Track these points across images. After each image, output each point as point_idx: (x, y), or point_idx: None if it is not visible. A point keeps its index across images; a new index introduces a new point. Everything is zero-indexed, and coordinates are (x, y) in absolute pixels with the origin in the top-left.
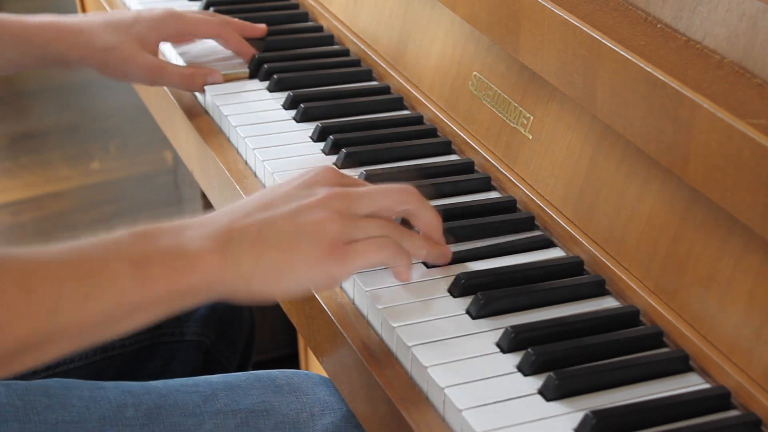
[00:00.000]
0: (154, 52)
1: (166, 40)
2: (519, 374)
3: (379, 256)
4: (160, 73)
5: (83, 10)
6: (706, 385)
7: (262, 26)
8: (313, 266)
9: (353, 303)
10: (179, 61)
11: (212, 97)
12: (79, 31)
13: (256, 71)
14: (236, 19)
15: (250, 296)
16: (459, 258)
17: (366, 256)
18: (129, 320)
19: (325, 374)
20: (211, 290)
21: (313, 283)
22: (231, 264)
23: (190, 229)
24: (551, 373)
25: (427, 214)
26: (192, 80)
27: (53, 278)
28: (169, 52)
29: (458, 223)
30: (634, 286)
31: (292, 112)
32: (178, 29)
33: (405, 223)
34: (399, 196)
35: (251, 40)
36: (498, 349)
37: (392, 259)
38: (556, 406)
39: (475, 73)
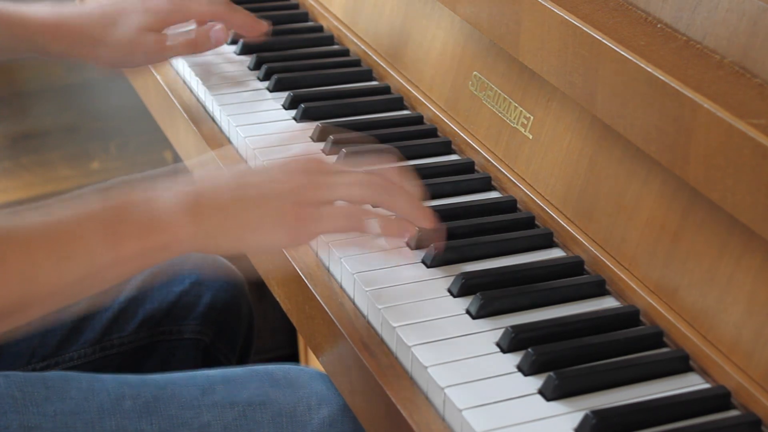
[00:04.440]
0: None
1: (170, 26)
2: (519, 374)
3: (345, 223)
4: (165, 48)
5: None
6: (706, 385)
7: (264, 25)
8: (278, 227)
9: (353, 303)
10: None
11: (212, 97)
12: (80, 30)
13: (256, 68)
14: (241, 8)
15: (216, 251)
16: (459, 258)
17: (331, 222)
18: (101, 279)
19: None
20: (182, 245)
21: (277, 243)
22: (198, 219)
23: (162, 190)
24: (551, 373)
25: (403, 202)
26: (197, 43)
27: (27, 248)
28: None
29: (458, 223)
30: (634, 286)
31: (292, 112)
32: (181, 17)
33: None
34: (372, 187)
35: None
36: (498, 349)
37: (359, 225)
38: (556, 406)
39: (475, 73)
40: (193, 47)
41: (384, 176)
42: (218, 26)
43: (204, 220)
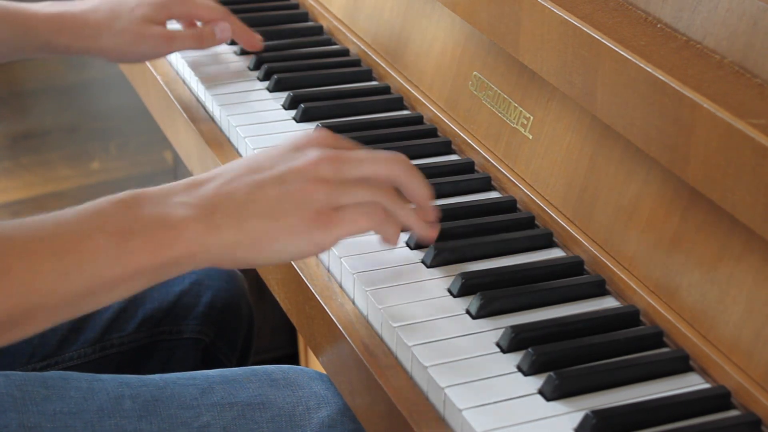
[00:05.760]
0: (162, 25)
1: (172, 19)
2: (519, 374)
3: (367, 224)
4: (171, 41)
5: None
6: (706, 385)
7: (259, 38)
8: (298, 235)
9: (353, 303)
10: (180, 62)
11: (212, 97)
12: (84, 22)
13: (255, 71)
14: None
15: (234, 264)
16: (459, 258)
17: (352, 224)
18: (109, 293)
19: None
20: (196, 260)
21: (298, 251)
22: (214, 233)
23: (175, 195)
24: (551, 373)
25: (416, 185)
26: (202, 38)
27: (32, 257)
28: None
29: (458, 223)
30: (634, 286)
31: (292, 112)
32: (182, 11)
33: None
34: (389, 165)
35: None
36: (498, 349)
37: (380, 226)
38: (556, 406)
39: (475, 73)
40: (198, 41)
41: (398, 157)
42: (224, 24)
43: (220, 231)
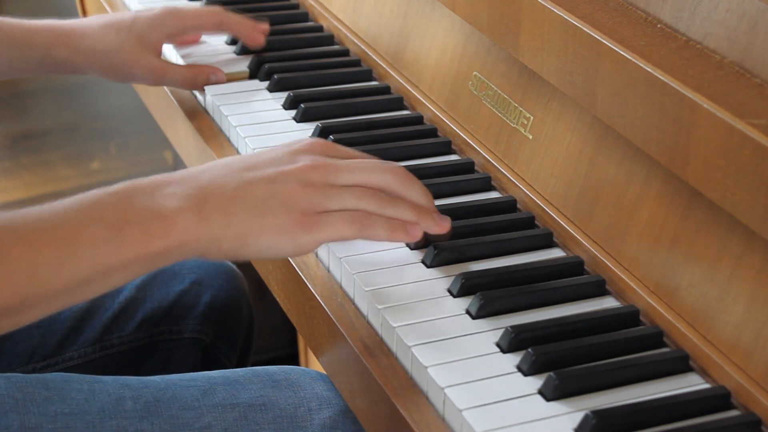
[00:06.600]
0: (158, 52)
1: (168, 38)
2: (519, 374)
3: (349, 230)
4: (163, 74)
5: (83, 8)
6: (706, 385)
7: (264, 26)
8: (282, 234)
9: (353, 303)
10: (180, 62)
11: (212, 97)
12: (81, 35)
13: (255, 71)
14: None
15: (220, 257)
16: (459, 258)
17: (335, 229)
18: (105, 282)
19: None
20: (185, 250)
21: (280, 250)
22: (205, 224)
23: (168, 186)
24: (551, 373)
25: (413, 193)
26: (194, 80)
27: (31, 245)
28: (170, 53)
29: (458, 223)
30: (634, 286)
31: (292, 112)
32: (177, 26)
33: None
34: (381, 175)
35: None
36: (498, 349)
37: (364, 231)
38: (556, 406)
39: (475, 73)
40: (190, 82)
41: (392, 167)
42: (219, 73)
43: (209, 222)
